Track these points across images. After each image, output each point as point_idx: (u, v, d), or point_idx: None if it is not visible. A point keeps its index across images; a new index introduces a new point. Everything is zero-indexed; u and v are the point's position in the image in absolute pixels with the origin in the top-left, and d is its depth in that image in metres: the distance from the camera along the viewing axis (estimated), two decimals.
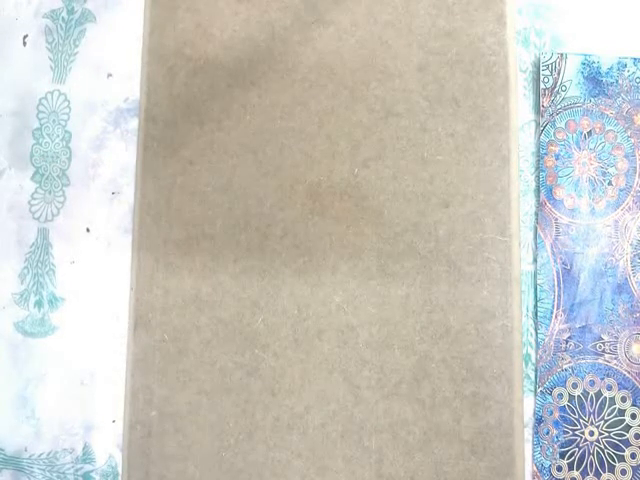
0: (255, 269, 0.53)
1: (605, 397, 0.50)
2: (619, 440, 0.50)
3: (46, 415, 0.54)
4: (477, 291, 0.51)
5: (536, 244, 0.52)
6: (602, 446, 0.50)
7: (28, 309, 0.55)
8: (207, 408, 0.52)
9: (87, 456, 0.53)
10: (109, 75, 0.57)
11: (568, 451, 0.50)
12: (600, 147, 0.52)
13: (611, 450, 0.50)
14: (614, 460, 0.50)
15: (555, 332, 0.51)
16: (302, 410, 0.52)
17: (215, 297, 0.53)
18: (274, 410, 0.52)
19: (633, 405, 0.50)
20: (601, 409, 0.50)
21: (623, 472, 0.49)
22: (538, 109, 0.53)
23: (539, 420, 0.50)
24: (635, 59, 0.52)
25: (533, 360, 0.51)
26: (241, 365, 0.52)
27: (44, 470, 0.54)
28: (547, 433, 0.50)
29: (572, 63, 0.52)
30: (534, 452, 0.50)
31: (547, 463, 0.50)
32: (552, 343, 0.51)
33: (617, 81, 0.52)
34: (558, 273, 0.51)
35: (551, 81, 0.52)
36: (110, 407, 0.53)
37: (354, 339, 0.52)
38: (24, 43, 0.58)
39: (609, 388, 0.50)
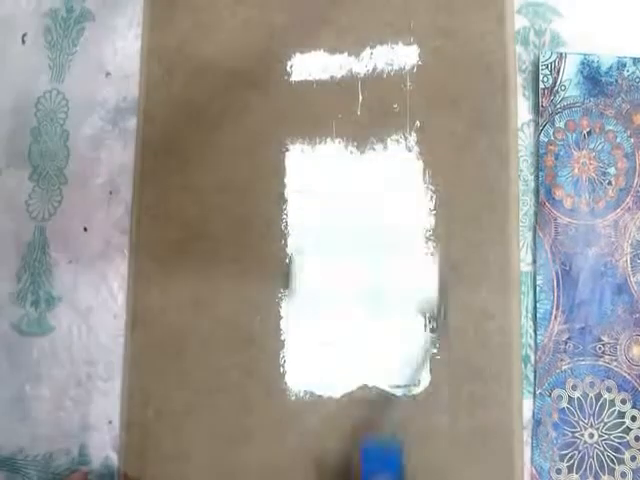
0: (253, 269, 0.53)
1: (605, 399, 0.49)
2: (619, 442, 0.49)
3: (42, 416, 0.54)
4: (476, 291, 0.51)
5: (535, 244, 0.51)
6: (602, 448, 0.49)
7: (25, 308, 0.55)
8: (204, 408, 0.52)
9: (83, 457, 0.53)
10: (107, 74, 0.57)
11: (567, 453, 0.49)
12: (600, 147, 0.51)
13: (611, 453, 0.49)
14: (614, 463, 0.49)
15: (554, 333, 0.50)
16: (300, 410, 0.51)
17: (212, 297, 0.53)
18: (272, 410, 0.51)
19: (633, 407, 0.49)
20: (601, 411, 0.49)
21: (623, 475, 0.49)
22: (537, 109, 0.52)
23: (538, 422, 0.50)
24: (634, 59, 0.52)
25: (532, 361, 0.50)
26: (238, 365, 0.52)
27: (40, 471, 0.53)
28: (546, 435, 0.49)
29: (571, 63, 0.52)
30: (533, 454, 0.49)
31: (546, 465, 0.49)
32: (551, 344, 0.50)
33: (616, 81, 0.52)
34: (557, 274, 0.51)
35: (550, 81, 0.52)
36: (106, 408, 0.53)
37: None
38: (23, 42, 0.58)
39: (609, 390, 0.49)
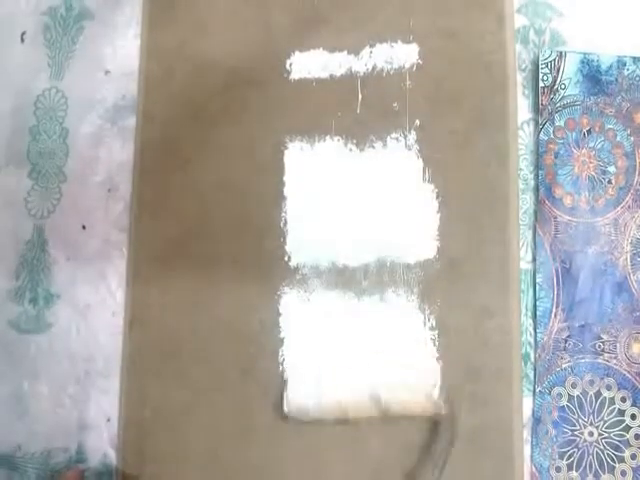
0: (252, 268, 0.53)
1: (605, 397, 0.49)
2: (619, 441, 0.49)
3: (40, 413, 0.53)
4: (476, 290, 0.51)
5: (535, 242, 0.51)
6: (602, 447, 0.49)
7: (23, 306, 0.55)
8: (202, 407, 0.52)
9: (81, 455, 0.53)
10: (107, 72, 0.57)
11: (567, 451, 0.49)
12: (600, 145, 0.51)
13: (611, 451, 0.49)
14: (614, 461, 0.49)
15: (554, 331, 0.50)
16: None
17: (211, 296, 0.53)
18: (270, 409, 0.51)
19: (633, 405, 0.49)
20: (601, 409, 0.49)
21: (623, 473, 0.49)
22: (537, 107, 0.52)
23: (538, 420, 0.49)
24: (634, 57, 0.52)
25: (532, 359, 0.50)
26: (237, 364, 0.52)
27: (37, 469, 0.53)
28: (546, 433, 0.49)
29: (571, 61, 0.52)
30: (533, 452, 0.49)
31: (546, 463, 0.49)
32: (551, 342, 0.50)
33: (616, 79, 0.52)
34: (557, 272, 0.51)
35: (550, 79, 0.52)
36: (105, 405, 0.53)
37: None
38: (22, 40, 0.58)
39: (609, 388, 0.49)
